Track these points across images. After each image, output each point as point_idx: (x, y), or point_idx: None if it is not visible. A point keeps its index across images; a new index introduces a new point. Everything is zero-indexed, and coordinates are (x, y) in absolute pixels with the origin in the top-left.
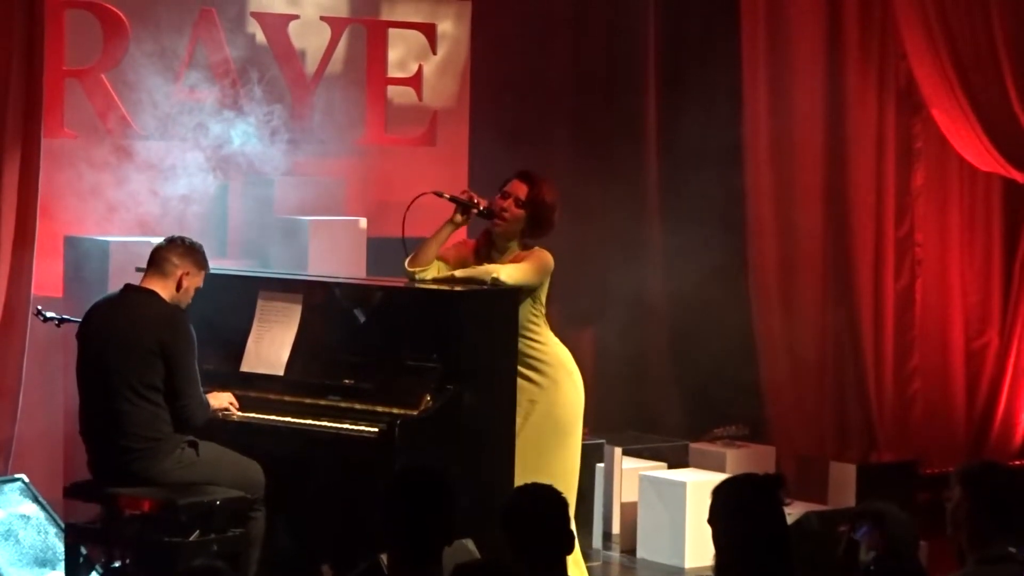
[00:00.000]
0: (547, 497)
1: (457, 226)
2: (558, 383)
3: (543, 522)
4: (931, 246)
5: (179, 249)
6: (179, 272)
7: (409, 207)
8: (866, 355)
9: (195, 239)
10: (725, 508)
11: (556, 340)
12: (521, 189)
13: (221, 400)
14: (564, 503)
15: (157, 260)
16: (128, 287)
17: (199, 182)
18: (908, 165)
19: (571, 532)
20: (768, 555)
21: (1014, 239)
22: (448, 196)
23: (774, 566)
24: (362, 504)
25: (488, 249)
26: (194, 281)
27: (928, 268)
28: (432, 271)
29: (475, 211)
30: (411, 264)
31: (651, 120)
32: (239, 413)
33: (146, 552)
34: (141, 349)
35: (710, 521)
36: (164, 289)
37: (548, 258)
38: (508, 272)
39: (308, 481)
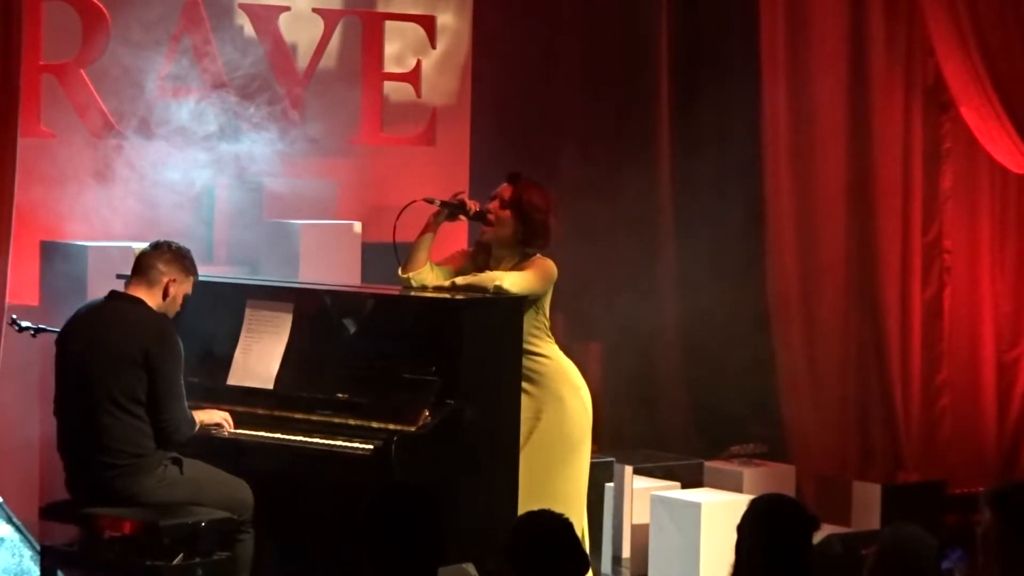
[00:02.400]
0: (551, 527)
1: (438, 224)
2: (563, 399)
3: (547, 555)
4: (960, 253)
5: (165, 255)
6: (165, 280)
7: (400, 215)
8: (891, 369)
9: (176, 241)
10: (762, 523)
11: (561, 353)
12: (506, 190)
13: (213, 415)
14: (570, 530)
15: (142, 267)
16: (113, 294)
17: (184, 184)
18: (936, 167)
19: (583, 556)
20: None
21: None
22: (438, 201)
23: None
24: (356, 526)
25: (484, 258)
26: (182, 288)
27: (957, 276)
28: (427, 275)
29: (462, 215)
30: (404, 270)
31: (664, 117)
32: (228, 429)
33: None
34: (124, 359)
35: (739, 527)
36: (150, 297)
37: (551, 265)
38: (512, 280)
39: (299, 501)
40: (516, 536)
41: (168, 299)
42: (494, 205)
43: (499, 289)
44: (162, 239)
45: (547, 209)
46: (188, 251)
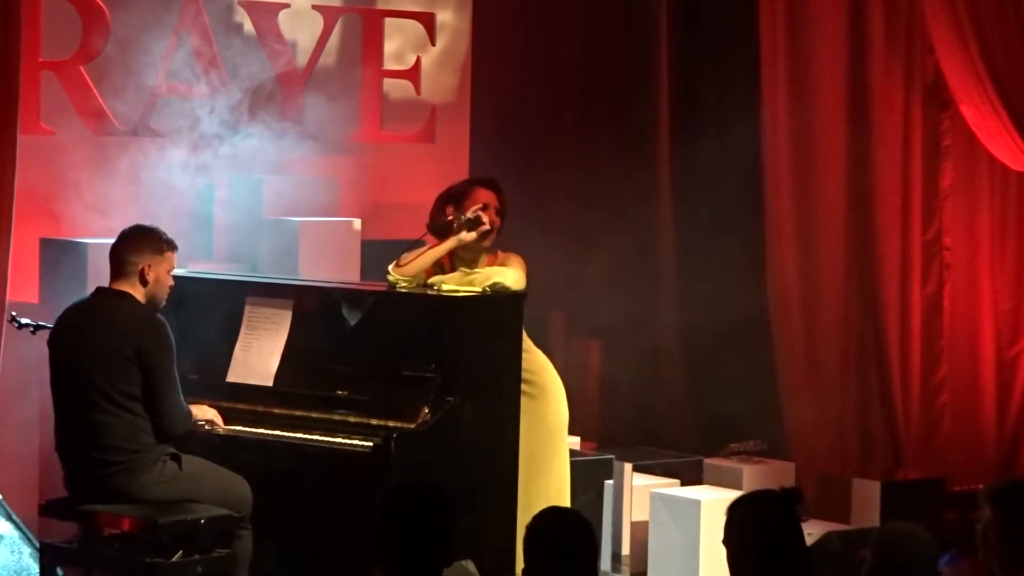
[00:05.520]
0: (571, 523)
1: (462, 243)
2: (546, 391)
3: (565, 551)
4: (960, 250)
5: (131, 243)
6: (139, 267)
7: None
8: (891, 366)
9: (176, 239)
10: (741, 526)
11: (535, 347)
12: (493, 198)
13: (205, 412)
14: (589, 528)
15: (115, 263)
16: (100, 290)
17: (183, 181)
18: (936, 164)
19: (598, 553)
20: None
21: None
22: (463, 218)
23: None
24: (356, 523)
25: (451, 262)
26: (161, 268)
27: (957, 274)
28: (412, 284)
29: (475, 232)
30: (398, 270)
31: (664, 114)
32: (225, 426)
33: (126, 574)
34: (117, 356)
35: (724, 541)
36: (134, 289)
37: (524, 260)
38: (510, 277)
39: (298, 498)
40: (536, 532)
41: (151, 284)
42: (491, 215)
43: (500, 286)
44: (126, 227)
45: None
46: (155, 229)
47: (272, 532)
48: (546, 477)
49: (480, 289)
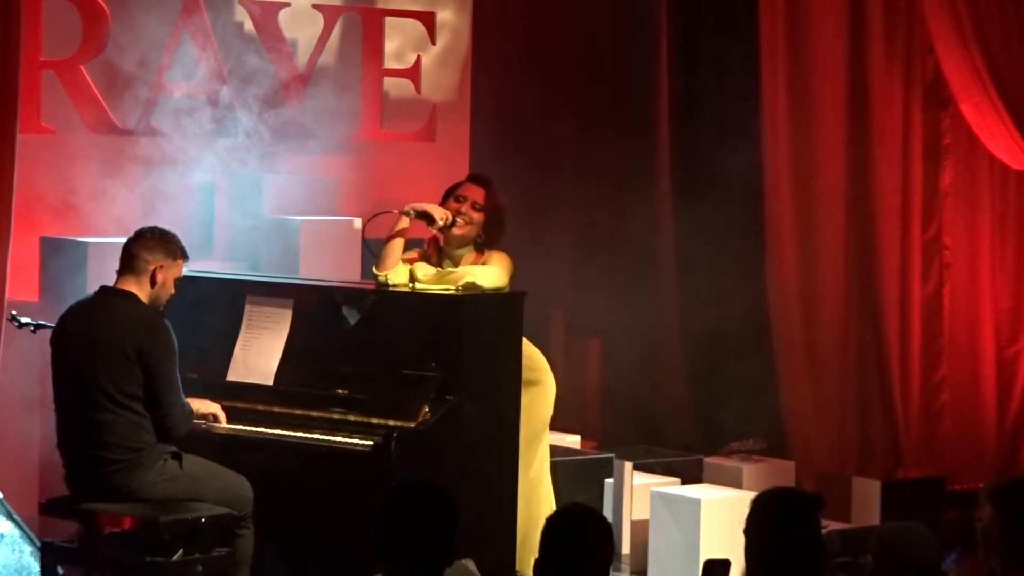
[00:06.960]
0: (597, 526)
1: (409, 227)
2: (539, 383)
3: (589, 552)
4: (960, 249)
5: (148, 242)
6: (151, 266)
7: (371, 219)
8: (891, 365)
9: (177, 236)
10: (766, 518)
11: (527, 340)
12: (478, 192)
13: (208, 406)
14: (605, 526)
15: (126, 258)
16: (103, 289)
17: (184, 180)
18: (936, 163)
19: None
20: (800, 572)
21: None
22: (413, 213)
23: None
24: (356, 522)
25: (437, 258)
26: (171, 272)
27: (957, 273)
28: (400, 274)
29: (439, 225)
30: (380, 268)
31: (664, 112)
32: (226, 425)
33: (127, 572)
34: (119, 356)
35: (746, 530)
36: (139, 288)
37: (510, 258)
38: (483, 275)
39: (299, 497)
40: (556, 526)
41: (157, 286)
42: (466, 207)
43: (472, 286)
44: (145, 227)
45: (507, 209)
46: (173, 234)
47: (272, 531)
48: (533, 471)
49: (454, 288)
